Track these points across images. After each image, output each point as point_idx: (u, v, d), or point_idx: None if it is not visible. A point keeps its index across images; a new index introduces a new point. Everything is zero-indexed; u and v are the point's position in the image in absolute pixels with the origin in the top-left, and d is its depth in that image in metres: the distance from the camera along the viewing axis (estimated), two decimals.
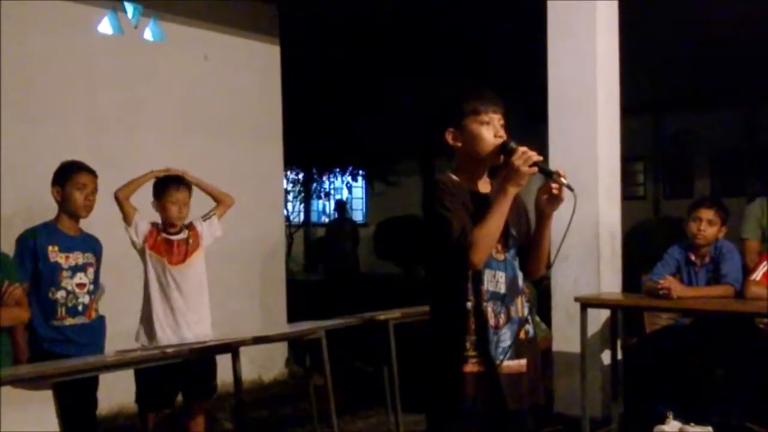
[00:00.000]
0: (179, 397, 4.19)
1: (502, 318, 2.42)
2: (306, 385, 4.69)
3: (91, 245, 3.93)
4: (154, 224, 4.16)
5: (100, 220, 4.03)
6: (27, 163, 4.83)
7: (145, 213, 4.15)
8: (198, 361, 3.88)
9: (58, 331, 3.75)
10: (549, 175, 2.38)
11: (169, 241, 4.13)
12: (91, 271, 3.88)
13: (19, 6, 5.04)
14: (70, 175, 3.82)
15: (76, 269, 3.81)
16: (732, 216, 4.59)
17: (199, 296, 4.17)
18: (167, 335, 4.04)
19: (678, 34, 8.68)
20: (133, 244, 4.10)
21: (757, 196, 5.13)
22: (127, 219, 4.09)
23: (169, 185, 4.10)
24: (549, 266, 2.57)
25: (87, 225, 3.98)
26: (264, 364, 6.35)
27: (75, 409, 3.33)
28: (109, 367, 3.39)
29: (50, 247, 3.75)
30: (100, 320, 3.95)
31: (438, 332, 2.44)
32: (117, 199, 4.07)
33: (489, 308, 2.40)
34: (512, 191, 2.35)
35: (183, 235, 4.18)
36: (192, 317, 4.11)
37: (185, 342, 3.92)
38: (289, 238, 15.95)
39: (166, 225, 4.14)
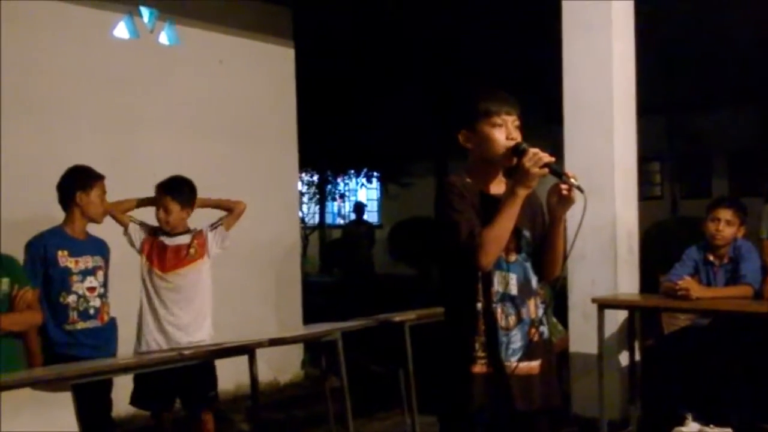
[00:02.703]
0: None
1: (513, 319, 2.41)
2: (322, 387, 4.69)
3: (100, 248, 3.94)
4: (152, 229, 4.17)
5: (110, 224, 4.05)
6: (38, 166, 4.85)
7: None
8: (193, 368, 3.82)
9: (70, 335, 3.76)
10: (560, 177, 2.37)
11: (163, 246, 4.11)
12: (100, 274, 3.89)
13: (35, 10, 5.09)
14: (95, 182, 3.86)
15: (86, 273, 3.82)
16: (750, 215, 4.55)
17: (191, 303, 4.13)
18: (158, 342, 4.05)
19: (694, 34, 8.62)
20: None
21: None
22: (124, 228, 4.18)
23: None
24: (564, 260, 2.54)
25: (97, 228, 4.00)
26: (280, 366, 6.36)
27: (91, 410, 3.35)
28: (129, 368, 3.40)
29: (60, 252, 3.76)
30: (112, 323, 3.97)
31: (448, 333, 2.45)
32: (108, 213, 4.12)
33: (499, 309, 2.39)
34: (522, 193, 2.34)
35: (183, 240, 4.13)
36: (181, 324, 4.08)
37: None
38: (304, 239, 15.98)
39: (160, 228, 4.14)
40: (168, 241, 4.13)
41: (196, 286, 4.14)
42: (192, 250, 4.14)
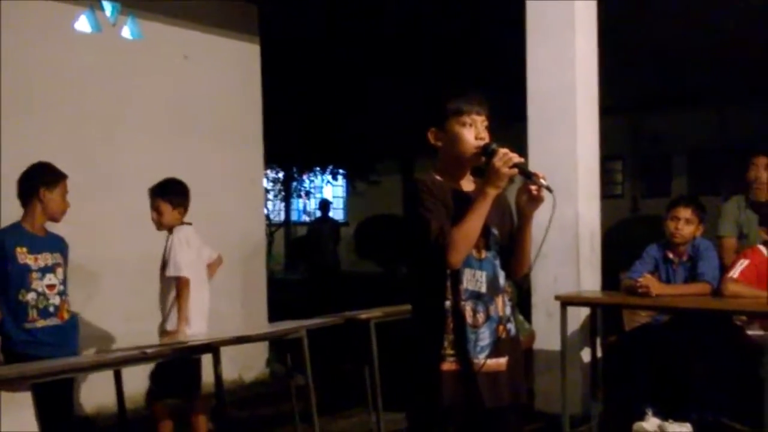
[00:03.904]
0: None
1: (481, 317, 2.43)
2: (287, 385, 4.68)
3: (59, 245, 3.90)
4: None
5: (68, 222, 3.99)
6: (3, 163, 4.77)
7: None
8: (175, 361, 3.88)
9: (29, 333, 3.71)
10: (529, 177, 2.40)
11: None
12: (60, 271, 3.84)
13: None
14: (60, 180, 3.83)
15: (45, 270, 3.77)
16: (709, 214, 4.64)
17: (165, 308, 4.17)
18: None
19: (655, 35, 8.76)
20: None
21: (733, 194, 5.19)
22: None
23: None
24: (530, 269, 2.58)
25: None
26: (245, 364, 6.33)
27: (52, 410, 3.31)
28: (89, 367, 3.36)
29: (18, 249, 3.70)
30: (73, 321, 3.93)
31: (417, 331, 2.46)
32: None
33: (468, 307, 2.41)
34: (492, 192, 2.37)
35: (167, 244, 4.17)
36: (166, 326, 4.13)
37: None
38: (270, 237, 15.90)
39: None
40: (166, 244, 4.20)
41: (168, 293, 4.14)
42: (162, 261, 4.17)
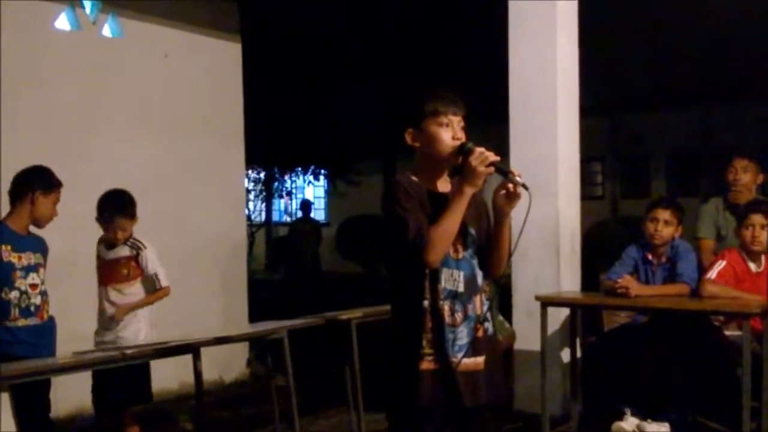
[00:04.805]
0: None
1: (459, 316, 2.44)
2: (267, 386, 4.66)
3: (40, 245, 3.90)
4: (100, 240, 4.16)
5: (57, 222, 3.96)
6: None
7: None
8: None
9: (10, 332, 3.69)
10: (505, 175, 2.42)
11: (107, 258, 4.12)
12: (42, 271, 3.84)
13: None
14: (55, 189, 3.83)
15: (28, 269, 3.76)
16: (687, 215, 4.68)
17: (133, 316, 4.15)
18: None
19: (635, 36, 8.83)
20: None
21: (712, 196, 5.24)
22: None
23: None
24: (509, 257, 2.59)
25: (52, 227, 3.92)
26: (225, 365, 6.30)
27: (29, 410, 3.28)
28: (68, 368, 3.33)
29: (3, 247, 3.68)
30: (51, 321, 3.91)
31: (396, 330, 2.47)
32: None
33: (446, 306, 2.42)
34: (469, 191, 2.38)
35: (126, 253, 4.12)
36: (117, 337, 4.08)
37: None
38: (251, 237, 15.85)
39: (102, 240, 4.13)
40: (107, 254, 4.14)
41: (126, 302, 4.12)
42: (126, 271, 4.12)
